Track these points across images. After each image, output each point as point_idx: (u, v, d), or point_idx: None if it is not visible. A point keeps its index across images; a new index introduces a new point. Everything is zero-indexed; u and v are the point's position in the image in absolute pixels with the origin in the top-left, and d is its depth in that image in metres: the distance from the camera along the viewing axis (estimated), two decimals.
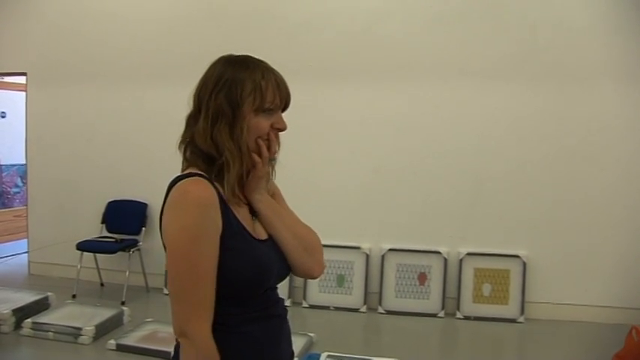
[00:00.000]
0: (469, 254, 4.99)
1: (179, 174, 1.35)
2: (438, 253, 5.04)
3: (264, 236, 1.40)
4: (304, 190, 5.05)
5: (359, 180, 5.19)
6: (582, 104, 4.80)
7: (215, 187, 1.31)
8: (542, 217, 4.90)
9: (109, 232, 5.61)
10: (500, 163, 4.96)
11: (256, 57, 1.39)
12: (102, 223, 5.67)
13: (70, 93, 5.87)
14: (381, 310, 5.07)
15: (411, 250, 5.09)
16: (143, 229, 5.54)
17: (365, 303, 5.10)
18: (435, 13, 5.01)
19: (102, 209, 5.71)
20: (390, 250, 5.12)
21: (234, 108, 1.31)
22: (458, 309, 4.96)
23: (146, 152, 5.62)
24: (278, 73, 1.38)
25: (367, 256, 5.15)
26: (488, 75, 4.89)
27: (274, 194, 1.50)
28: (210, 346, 1.26)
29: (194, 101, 1.37)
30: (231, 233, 1.29)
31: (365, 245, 5.17)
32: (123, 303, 5.04)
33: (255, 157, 1.35)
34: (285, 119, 1.39)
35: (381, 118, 5.12)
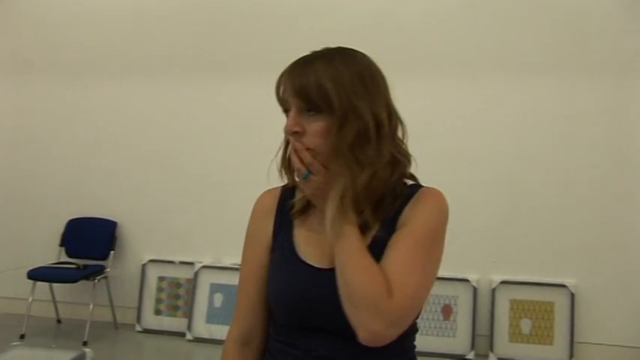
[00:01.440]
0: (504, 283, 4.51)
1: None
2: (466, 281, 4.53)
3: (328, 264, 1.25)
4: None
5: None
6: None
7: (290, 199, 1.34)
8: (594, 238, 4.43)
9: (70, 256, 5.07)
10: (542, 173, 4.52)
11: (321, 49, 1.26)
12: (60, 245, 5.14)
13: (20, 90, 5.38)
14: None
15: None
16: (111, 252, 5.01)
17: None
18: None
19: (60, 229, 5.16)
20: None
21: None
22: (491, 349, 4.46)
23: (115, 161, 5.14)
24: (300, 62, 1.24)
25: None
26: (526, 68, 4.52)
27: (402, 227, 1.25)
28: (225, 352, 1.35)
29: None
30: (276, 246, 1.32)
31: None
32: (85, 343, 4.52)
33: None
34: (291, 117, 1.22)
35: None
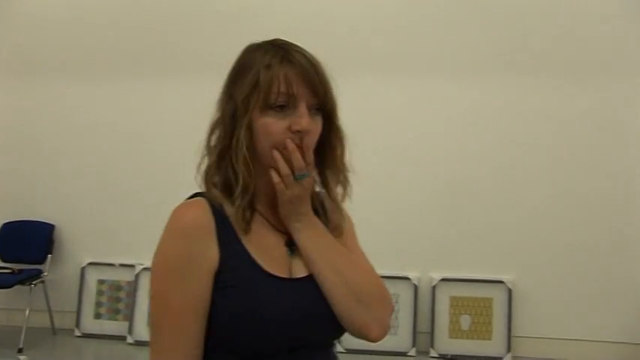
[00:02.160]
0: (444, 280, 4.53)
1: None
2: (407, 279, 4.53)
3: (300, 274, 1.18)
4: None
5: None
6: (581, 100, 4.42)
7: (218, 210, 1.15)
8: (531, 235, 4.46)
9: (4, 261, 4.88)
10: (481, 172, 4.52)
11: (287, 40, 1.21)
12: None
13: None
14: (340, 349, 4.45)
15: None
16: (49, 256, 4.86)
17: None
18: None
19: None
20: None
21: (234, 106, 1.14)
22: (432, 346, 4.48)
23: (53, 160, 4.97)
24: (304, 55, 1.18)
25: None
26: (467, 69, 4.53)
27: (338, 229, 1.26)
28: None
29: None
30: (230, 267, 1.11)
31: None
32: (20, 350, 4.40)
33: (273, 174, 1.15)
34: (307, 115, 1.15)
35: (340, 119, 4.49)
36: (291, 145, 1.12)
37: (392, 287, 4.44)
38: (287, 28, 4.83)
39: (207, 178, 1.18)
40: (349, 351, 4.36)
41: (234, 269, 1.12)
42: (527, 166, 4.46)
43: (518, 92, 4.45)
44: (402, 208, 4.58)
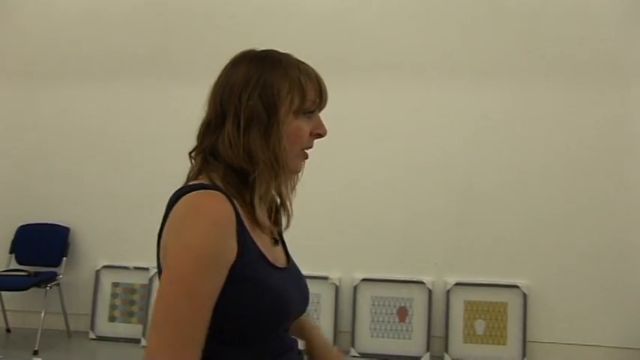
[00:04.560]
0: (458, 284, 4.47)
1: (184, 185, 1.24)
2: (421, 283, 4.50)
3: (283, 263, 1.31)
4: None
5: (326, 197, 4.60)
6: (595, 105, 4.37)
7: (232, 204, 1.16)
8: (546, 239, 4.40)
9: (20, 263, 4.88)
10: (495, 176, 4.48)
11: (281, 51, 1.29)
12: (10, 252, 4.92)
13: None
14: (354, 352, 4.52)
15: (389, 280, 4.55)
16: (64, 259, 4.84)
17: (334, 344, 4.47)
18: None
19: (10, 235, 4.95)
20: (364, 280, 4.57)
21: (270, 110, 1.20)
22: (446, 350, 4.43)
23: (68, 165, 4.97)
24: (311, 67, 1.28)
25: (336, 287, 4.60)
26: (480, 72, 4.50)
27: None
28: None
29: (213, 105, 1.27)
30: (248, 260, 1.15)
31: (334, 275, 4.61)
32: (36, 352, 4.40)
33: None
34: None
35: (352, 123, 4.55)
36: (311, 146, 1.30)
37: (407, 291, 4.49)
38: (300, 32, 4.89)
39: (208, 169, 1.24)
40: (363, 355, 4.44)
41: (251, 262, 1.16)
42: (542, 170, 4.42)
43: (533, 97, 4.41)
44: (416, 212, 4.56)
